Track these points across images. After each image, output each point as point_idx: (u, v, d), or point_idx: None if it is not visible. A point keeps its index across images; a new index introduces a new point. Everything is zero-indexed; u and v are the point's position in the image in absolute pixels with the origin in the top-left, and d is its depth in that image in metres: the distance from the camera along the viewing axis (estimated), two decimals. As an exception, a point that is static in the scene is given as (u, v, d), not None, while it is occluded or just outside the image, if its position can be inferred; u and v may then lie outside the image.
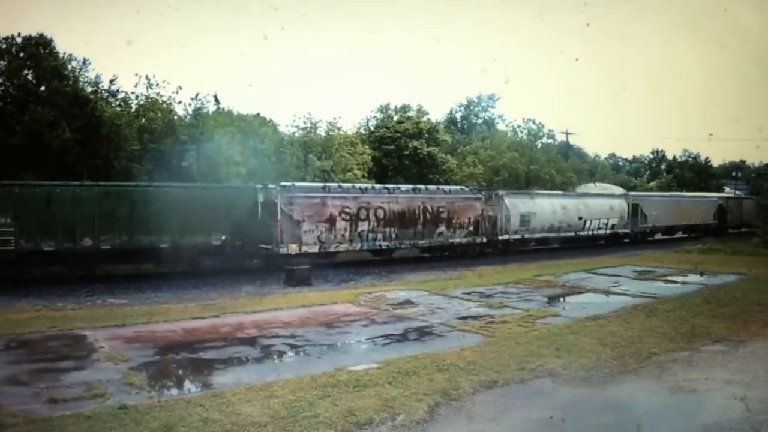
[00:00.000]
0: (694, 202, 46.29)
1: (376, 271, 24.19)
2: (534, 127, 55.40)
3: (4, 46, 25.90)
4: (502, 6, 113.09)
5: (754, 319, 13.84)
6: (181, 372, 10.06)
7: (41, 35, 26.48)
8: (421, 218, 26.97)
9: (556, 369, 9.69)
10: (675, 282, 20.17)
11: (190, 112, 31.56)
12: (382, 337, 12.25)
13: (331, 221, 24.17)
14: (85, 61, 30.17)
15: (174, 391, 9.03)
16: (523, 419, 7.82)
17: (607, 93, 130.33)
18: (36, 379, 9.03)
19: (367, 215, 25.19)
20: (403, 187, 27.96)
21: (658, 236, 42.38)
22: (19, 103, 24.60)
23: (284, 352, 11.15)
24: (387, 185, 28.08)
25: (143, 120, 29.58)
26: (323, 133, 34.27)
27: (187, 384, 9.54)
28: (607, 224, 36.25)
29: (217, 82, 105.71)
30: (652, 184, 69.20)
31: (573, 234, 34.08)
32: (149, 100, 30.01)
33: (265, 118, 36.66)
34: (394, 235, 26.12)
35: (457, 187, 30.47)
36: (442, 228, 27.73)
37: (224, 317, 14.01)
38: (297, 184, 24.38)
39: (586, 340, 11.59)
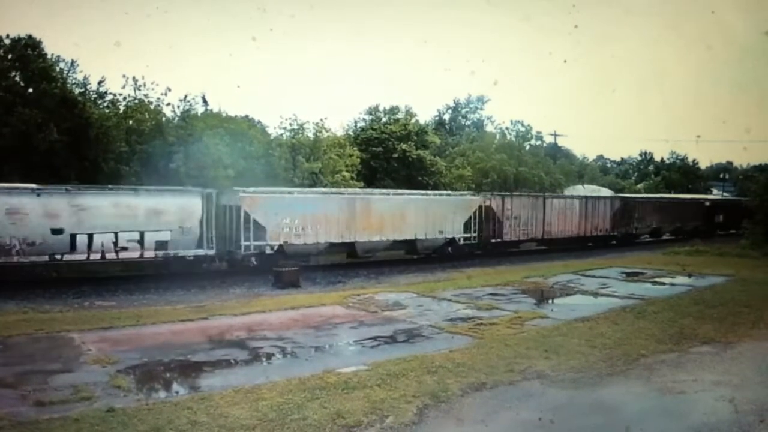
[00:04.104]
0: (404, 202, 26.70)
1: (365, 273, 24.12)
2: (522, 128, 55.62)
3: (-8, 48, 25.73)
4: (489, 8, 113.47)
5: (743, 321, 13.95)
6: (168, 375, 9.98)
7: (30, 37, 26.31)
8: None
9: (545, 371, 9.72)
10: (663, 284, 20.30)
11: (179, 114, 31.43)
12: (370, 339, 12.24)
13: None
14: (73, 63, 30.18)
15: (162, 394, 8.97)
16: (512, 421, 7.83)
17: (594, 95, 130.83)
18: (23, 381, 8.93)
19: None
20: None
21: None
22: (7, 104, 24.39)
23: (273, 355, 11.11)
24: None
25: (131, 121, 29.44)
26: (311, 135, 34.19)
27: (174, 386, 9.47)
28: (141, 241, 19.87)
29: (206, 83, 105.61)
30: (640, 185, 69.65)
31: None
32: (137, 101, 29.89)
33: (253, 120, 36.55)
34: None
35: None
36: None
37: (213, 320, 13.94)
38: None
39: (575, 342, 11.64)
